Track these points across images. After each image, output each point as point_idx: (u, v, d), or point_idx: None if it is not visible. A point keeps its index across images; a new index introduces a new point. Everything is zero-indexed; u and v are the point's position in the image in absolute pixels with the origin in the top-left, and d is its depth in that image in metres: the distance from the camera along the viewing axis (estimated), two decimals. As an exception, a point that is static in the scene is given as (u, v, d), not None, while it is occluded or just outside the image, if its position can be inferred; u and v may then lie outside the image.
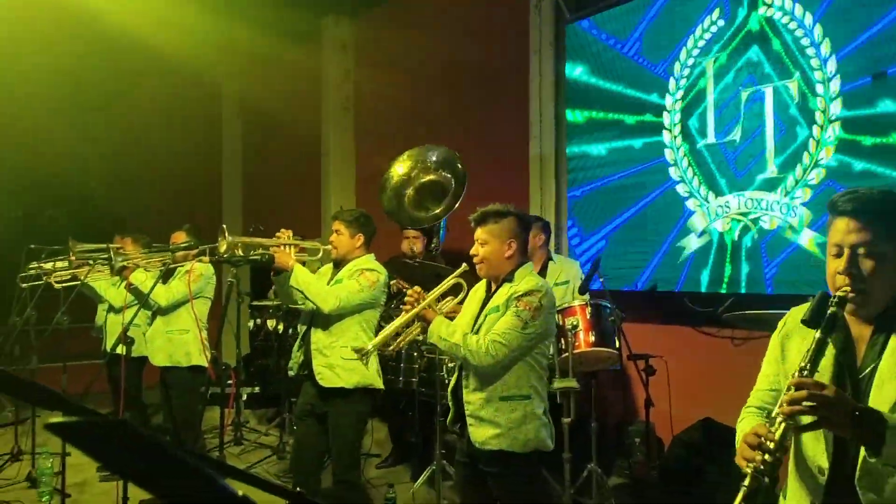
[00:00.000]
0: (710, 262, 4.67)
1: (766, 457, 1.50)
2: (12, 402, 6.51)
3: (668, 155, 4.90)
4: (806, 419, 1.52)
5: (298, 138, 8.47)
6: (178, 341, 4.66)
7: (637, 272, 5.07)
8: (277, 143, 9.17)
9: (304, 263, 3.76)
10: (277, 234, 3.73)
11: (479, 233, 2.91)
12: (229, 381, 6.50)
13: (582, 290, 4.26)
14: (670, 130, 4.89)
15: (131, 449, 0.47)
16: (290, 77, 8.74)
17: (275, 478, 5.18)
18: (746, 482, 1.49)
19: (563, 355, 4.01)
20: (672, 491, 4.24)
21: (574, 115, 5.47)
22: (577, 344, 4.02)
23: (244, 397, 7.12)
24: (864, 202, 1.67)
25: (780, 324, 1.87)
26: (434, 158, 4.08)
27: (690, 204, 4.79)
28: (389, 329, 3.28)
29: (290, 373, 3.94)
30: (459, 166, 4.08)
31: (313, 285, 3.58)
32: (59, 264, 5.06)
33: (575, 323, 4.00)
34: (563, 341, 4.04)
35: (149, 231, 5.55)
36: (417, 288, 3.06)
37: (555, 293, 4.59)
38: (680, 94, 4.84)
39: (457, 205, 4.72)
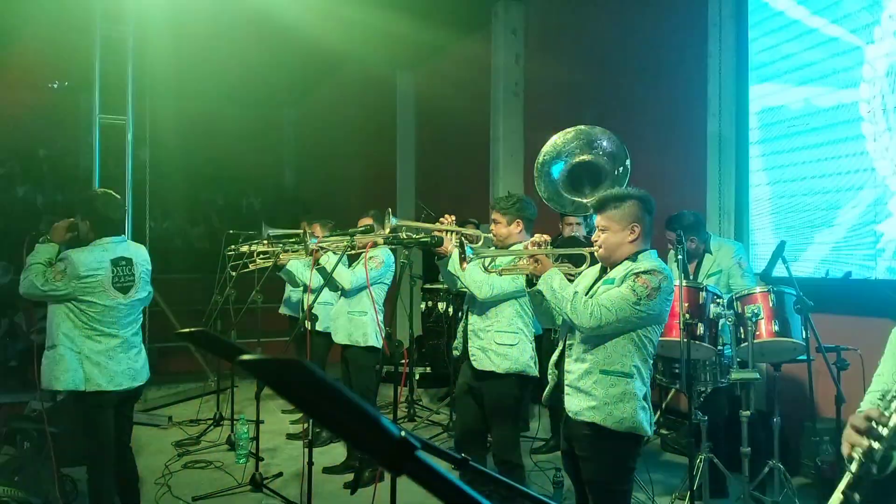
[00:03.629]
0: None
1: (876, 444, 1.31)
2: (214, 373, 7.23)
3: (866, 129, 4.46)
4: None
5: (469, 125, 8.63)
6: (358, 322, 4.92)
7: (829, 257, 4.67)
8: (448, 130, 9.41)
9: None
10: (441, 219, 3.81)
11: (600, 219, 2.84)
12: (402, 360, 6.81)
13: (764, 277, 4.00)
14: (868, 103, 4.45)
15: (303, 384, 0.55)
16: (460, 65, 8.93)
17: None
18: (854, 468, 1.33)
19: (743, 345, 3.81)
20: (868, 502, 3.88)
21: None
22: (758, 333, 3.79)
23: (417, 376, 7.41)
24: None
25: None
26: (604, 145, 3.86)
27: (892, 184, 4.33)
28: (506, 254, 3.44)
29: (455, 353, 4.07)
30: (627, 158, 3.86)
31: (469, 271, 3.60)
32: (255, 247, 5.51)
33: (756, 311, 3.77)
34: (742, 330, 3.83)
35: (329, 216, 5.91)
36: (546, 237, 3.05)
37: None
38: (881, 63, 4.38)
39: None
